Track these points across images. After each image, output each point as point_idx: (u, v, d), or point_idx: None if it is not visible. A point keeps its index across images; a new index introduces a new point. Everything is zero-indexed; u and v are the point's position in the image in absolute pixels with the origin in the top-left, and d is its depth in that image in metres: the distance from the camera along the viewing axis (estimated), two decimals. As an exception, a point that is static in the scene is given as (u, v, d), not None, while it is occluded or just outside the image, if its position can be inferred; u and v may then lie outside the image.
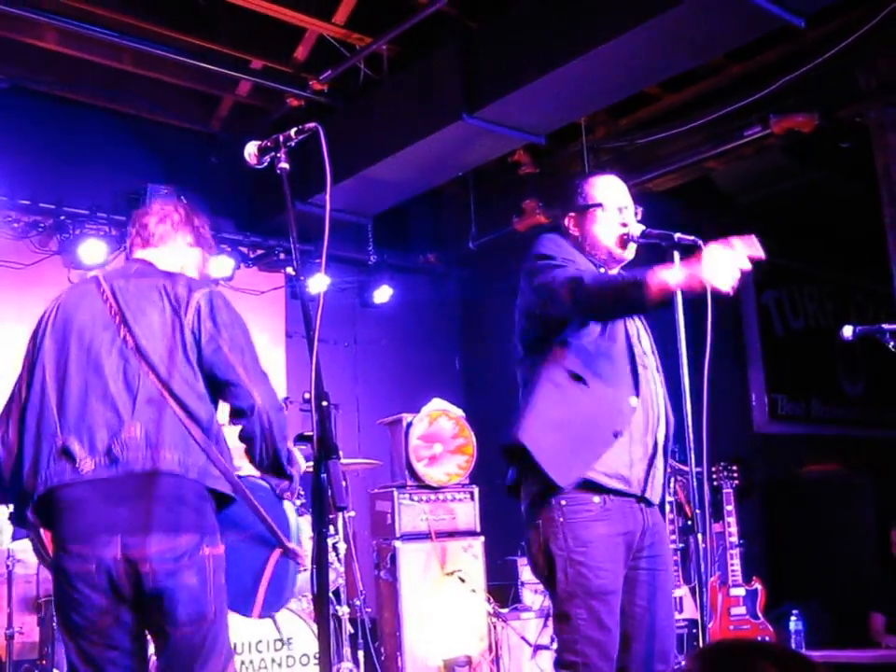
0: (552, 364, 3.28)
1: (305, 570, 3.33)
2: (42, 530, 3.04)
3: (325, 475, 2.48)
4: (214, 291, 3.17)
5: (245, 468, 3.20)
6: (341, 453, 6.22)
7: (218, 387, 3.09)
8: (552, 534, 3.21)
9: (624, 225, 3.41)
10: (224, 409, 3.15)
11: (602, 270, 3.42)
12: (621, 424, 3.22)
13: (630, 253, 3.44)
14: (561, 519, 3.19)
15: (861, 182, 7.09)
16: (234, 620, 4.74)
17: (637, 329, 3.45)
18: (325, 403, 2.53)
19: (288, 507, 3.22)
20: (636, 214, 3.47)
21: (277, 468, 3.11)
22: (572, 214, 3.49)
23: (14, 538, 3.23)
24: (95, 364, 3.02)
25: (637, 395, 3.29)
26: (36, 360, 3.10)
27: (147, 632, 3.06)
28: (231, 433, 3.16)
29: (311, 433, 2.53)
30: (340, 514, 6.13)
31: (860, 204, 7.17)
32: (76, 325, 3.09)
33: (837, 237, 7.20)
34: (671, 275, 2.95)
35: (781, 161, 7.23)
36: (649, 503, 3.32)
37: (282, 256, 8.23)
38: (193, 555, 2.94)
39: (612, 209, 3.43)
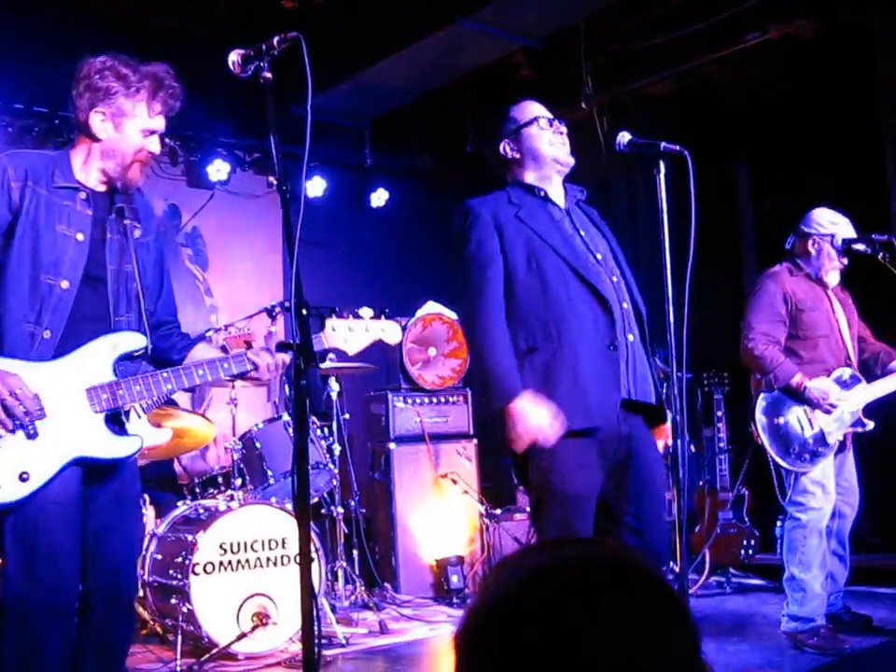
0: None
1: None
2: None
3: (304, 381, 2.52)
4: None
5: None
6: (332, 355, 6.34)
7: None
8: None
9: (561, 133, 3.53)
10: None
11: (547, 185, 3.53)
12: None
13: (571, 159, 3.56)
14: None
15: (859, 90, 7.01)
16: (228, 520, 4.86)
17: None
18: (304, 312, 2.56)
19: None
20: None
21: None
22: (508, 140, 3.57)
23: None
24: None
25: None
26: None
27: None
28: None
29: (291, 341, 2.57)
30: (335, 418, 6.23)
31: (857, 114, 7.10)
32: None
33: (834, 146, 7.14)
34: None
35: (780, 67, 7.12)
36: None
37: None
38: None
39: (545, 122, 3.53)
